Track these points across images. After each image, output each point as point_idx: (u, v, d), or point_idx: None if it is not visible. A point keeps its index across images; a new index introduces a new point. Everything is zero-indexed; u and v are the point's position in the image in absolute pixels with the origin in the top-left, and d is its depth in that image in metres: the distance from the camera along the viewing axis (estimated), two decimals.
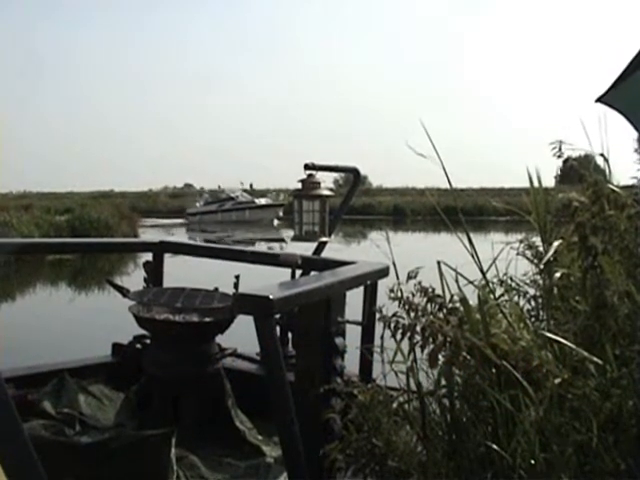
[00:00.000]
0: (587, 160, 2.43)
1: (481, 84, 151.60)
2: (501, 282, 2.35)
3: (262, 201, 48.68)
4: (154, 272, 4.22)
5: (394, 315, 2.06)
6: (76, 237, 20.50)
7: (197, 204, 51.68)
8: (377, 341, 2.21)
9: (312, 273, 3.62)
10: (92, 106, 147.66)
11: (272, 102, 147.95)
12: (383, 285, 2.54)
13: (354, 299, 2.95)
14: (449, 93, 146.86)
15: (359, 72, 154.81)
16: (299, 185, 3.97)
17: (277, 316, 3.50)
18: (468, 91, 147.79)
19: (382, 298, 2.35)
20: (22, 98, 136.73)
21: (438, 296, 2.08)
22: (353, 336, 2.89)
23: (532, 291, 2.39)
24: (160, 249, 4.31)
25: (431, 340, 1.91)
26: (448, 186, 2.36)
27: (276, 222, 45.48)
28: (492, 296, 2.19)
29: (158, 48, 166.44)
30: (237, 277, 3.73)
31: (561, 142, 2.32)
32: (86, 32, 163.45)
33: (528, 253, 2.51)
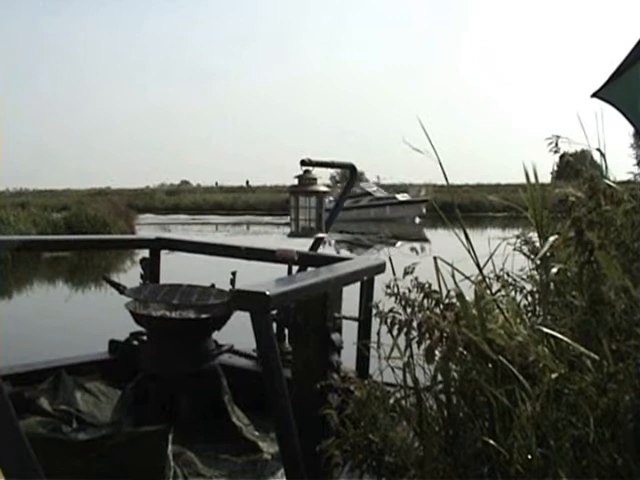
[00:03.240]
0: (583, 155, 2.43)
1: (478, 80, 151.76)
2: (498, 278, 2.35)
3: (404, 197, 43.90)
4: (151, 269, 4.21)
5: (390, 311, 2.06)
6: (73, 234, 20.47)
7: (327, 200, 48.17)
8: (374, 337, 2.20)
9: (309, 269, 3.62)
10: (89, 103, 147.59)
11: (270, 98, 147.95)
12: (380, 281, 2.54)
13: (351, 295, 2.95)
14: (446, 90, 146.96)
15: (357, 69, 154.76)
16: (295, 181, 3.96)
17: (274, 312, 3.50)
18: (464, 88, 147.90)
19: (379, 294, 2.35)
20: (19, 95, 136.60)
21: (434, 292, 2.08)
22: (350, 332, 2.89)
23: (529, 286, 2.39)
24: (157, 245, 4.31)
25: (427, 336, 1.91)
26: (445, 182, 2.36)
27: (418, 220, 41.58)
28: (489, 291, 2.19)
29: (157, 44, 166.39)
30: (234, 273, 3.74)
31: (557, 137, 2.32)
32: (85, 28, 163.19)
33: (525, 249, 2.51)
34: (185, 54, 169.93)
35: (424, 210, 41.85)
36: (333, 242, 30.60)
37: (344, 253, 23.57)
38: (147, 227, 34.88)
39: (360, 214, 41.69)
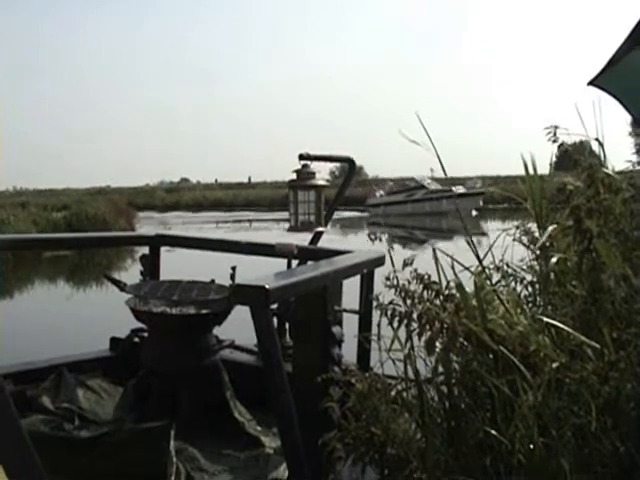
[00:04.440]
0: (582, 145, 2.43)
1: (476, 72, 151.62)
2: (497, 268, 2.35)
3: (459, 189, 41.25)
4: (150, 265, 4.21)
5: (391, 303, 2.06)
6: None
7: (377, 194, 46.03)
8: (374, 329, 2.20)
9: (308, 262, 3.62)
10: (88, 102, 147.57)
11: (270, 95, 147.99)
12: (379, 274, 2.54)
13: (351, 288, 2.94)
14: (445, 83, 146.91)
15: (357, 67, 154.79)
16: (294, 175, 3.96)
17: (274, 307, 3.49)
18: (463, 79, 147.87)
19: (379, 286, 2.34)
20: (19, 95, 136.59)
21: (434, 283, 2.08)
22: (350, 325, 2.89)
23: (529, 277, 2.39)
24: (156, 242, 4.31)
25: (428, 327, 1.91)
26: (444, 175, 2.36)
27: (474, 213, 39.49)
28: (489, 282, 2.19)
29: (157, 43, 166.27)
30: (233, 268, 3.73)
31: (556, 127, 2.32)
32: (84, 27, 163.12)
33: (524, 239, 2.51)
34: (185, 53, 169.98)
35: (481, 203, 40.99)
36: (385, 237, 30.45)
37: (397, 248, 23.35)
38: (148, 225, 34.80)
39: (415, 208, 40.95)
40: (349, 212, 41.53)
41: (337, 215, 37.56)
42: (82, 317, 11.39)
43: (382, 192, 46.50)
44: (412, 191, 43.62)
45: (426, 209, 40.69)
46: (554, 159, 2.57)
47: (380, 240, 29.19)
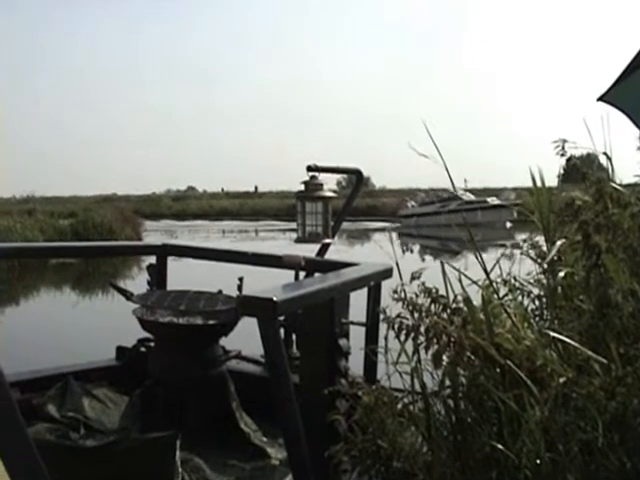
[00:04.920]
0: (590, 159, 2.43)
1: (484, 84, 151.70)
2: (505, 282, 2.35)
3: (495, 200, 41.73)
4: (157, 275, 4.22)
5: (398, 316, 2.06)
6: (80, 241, 20.51)
7: (409, 204, 46.24)
8: (381, 342, 2.20)
9: (316, 274, 3.62)
10: (94, 109, 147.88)
11: (276, 103, 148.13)
12: (387, 286, 2.54)
13: (358, 300, 2.94)
14: (453, 93, 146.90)
15: (361, 73, 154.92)
16: (302, 187, 3.97)
17: (281, 318, 3.50)
18: (471, 91, 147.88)
19: (386, 299, 2.34)
20: (24, 101, 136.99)
21: (442, 296, 2.08)
22: (357, 337, 2.89)
23: (536, 291, 2.38)
24: (163, 252, 4.32)
25: (435, 340, 1.91)
26: (451, 187, 2.36)
27: (508, 225, 39.66)
28: (496, 296, 2.19)
29: (162, 49, 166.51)
30: (240, 279, 3.74)
31: (564, 141, 2.32)
32: (89, 32, 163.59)
33: (532, 253, 2.51)
34: (190, 59, 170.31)
35: (515, 214, 39.00)
36: (417, 248, 30.35)
37: (428, 260, 23.30)
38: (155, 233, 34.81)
39: (449, 219, 38.65)
40: (381, 223, 41.50)
41: (366, 226, 37.47)
42: (88, 326, 11.40)
43: (413, 203, 46.39)
44: (445, 202, 43.02)
45: (460, 220, 39.81)
46: (562, 171, 2.58)
47: (411, 252, 29.11)
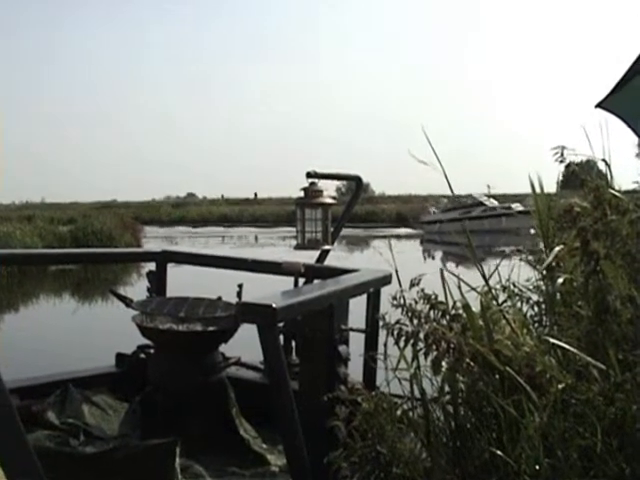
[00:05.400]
0: (589, 165, 2.44)
1: (483, 91, 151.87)
2: (504, 288, 2.35)
3: (519, 207, 38.96)
4: (157, 282, 4.22)
5: (397, 322, 2.07)
6: (79, 248, 20.50)
7: (431, 210, 45.33)
8: (380, 348, 2.21)
9: (315, 281, 3.63)
10: (94, 115, 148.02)
11: (277, 110, 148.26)
12: (386, 293, 2.55)
13: (357, 307, 2.95)
14: (452, 100, 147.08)
15: (362, 79, 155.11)
16: (301, 193, 3.97)
17: (281, 324, 3.50)
18: (470, 98, 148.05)
19: (385, 306, 2.35)
20: (25, 109, 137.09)
21: (441, 303, 2.08)
22: (357, 344, 2.89)
23: (535, 297, 2.38)
24: (163, 259, 4.32)
25: (434, 347, 1.92)
26: (450, 193, 2.37)
27: (532, 231, 39.27)
28: (495, 302, 2.19)
29: (163, 55, 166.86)
30: (240, 286, 3.74)
31: (563, 147, 2.32)
32: (91, 38, 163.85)
33: (531, 259, 2.51)
34: (190, 65, 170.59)
35: None
36: (439, 255, 30.31)
37: (450, 266, 23.28)
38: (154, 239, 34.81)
39: (473, 225, 37.86)
40: (404, 229, 41.01)
41: (388, 232, 37.25)
42: (87, 332, 11.40)
43: (435, 209, 45.77)
44: (469, 208, 42.60)
45: (485, 227, 38.95)
46: (560, 177, 2.58)
47: (433, 258, 29.04)
